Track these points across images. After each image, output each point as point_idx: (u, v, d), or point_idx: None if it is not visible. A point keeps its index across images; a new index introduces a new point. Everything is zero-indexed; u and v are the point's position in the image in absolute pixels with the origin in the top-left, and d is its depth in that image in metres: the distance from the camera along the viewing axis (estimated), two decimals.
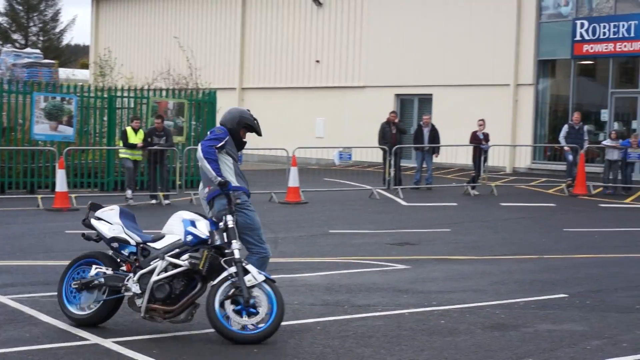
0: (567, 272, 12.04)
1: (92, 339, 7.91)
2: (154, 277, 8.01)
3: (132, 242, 8.32)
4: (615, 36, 28.32)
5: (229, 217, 8.16)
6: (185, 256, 8.02)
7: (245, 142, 9.03)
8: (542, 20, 30.26)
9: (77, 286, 8.31)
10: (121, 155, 21.56)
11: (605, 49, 28.65)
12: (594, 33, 28.81)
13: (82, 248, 13.45)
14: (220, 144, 8.54)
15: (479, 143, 24.59)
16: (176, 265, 8.04)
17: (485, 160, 25.11)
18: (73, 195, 20.02)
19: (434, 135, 25.14)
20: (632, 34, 27.88)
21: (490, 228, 17.19)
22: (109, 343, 7.75)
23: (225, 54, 40.21)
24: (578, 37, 29.15)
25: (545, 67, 30.69)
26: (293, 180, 21.22)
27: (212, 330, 7.87)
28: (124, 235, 8.34)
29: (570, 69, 29.92)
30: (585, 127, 25.87)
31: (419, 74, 32.86)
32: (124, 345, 7.69)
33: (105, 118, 24.56)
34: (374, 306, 9.48)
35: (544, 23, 30.25)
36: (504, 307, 9.49)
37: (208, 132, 8.87)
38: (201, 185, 8.87)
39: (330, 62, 36.22)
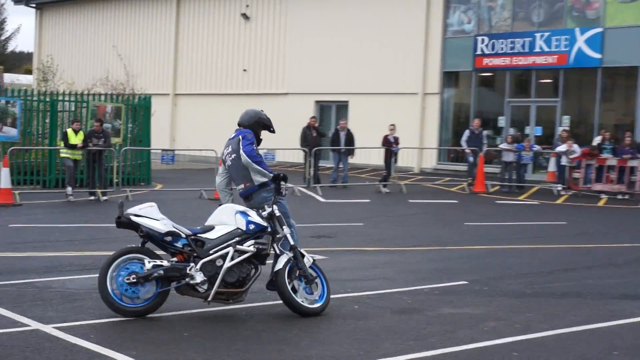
0: (466, 261, 12.24)
1: (33, 324, 7.79)
2: (227, 264, 8.20)
3: (183, 235, 8.35)
4: (512, 51, 28.78)
5: (275, 207, 8.72)
6: (249, 242, 8.32)
7: (261, 140, 9.60)
8: (448, 35, 30.58)
9: (134, 280, 8.04)
10: (62, 155, 21.28)
11: (503, 62, 29.09)
12: (493, 48, 29.25)
13: (24, 240, 13.34)
14: (256, 145, 9.16)
15: (390, 146, 24.79)
16: (242, 252, 8.31)
17: (396, 161, 25.32)
18: (16, 192, 19.63)
19: (350, 139, 25.30)
20: (527, 50, 28.37)
21: (399, 222, 17.34)
22: (49, 328, 7.64)
23: (160, 62, 39.82)
24: (479, 52, 29.57)
25: (450, 78, 31.04)
26: None
27: (152, 314, 7.92)
28: (175, 229, 8.34)
29: (472, 80, 30.33)
30: (484, 132, 26.20)
31: (336, 82, 32.97)
32: (64, 330, 7.58)
33: (48, 120, 24.19)
34: None
35: (448, 38, 30.58)
36: (410, 294, 9.61)
37: (240, 137, 9.20)
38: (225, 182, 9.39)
39: (256, 70, 36.16)
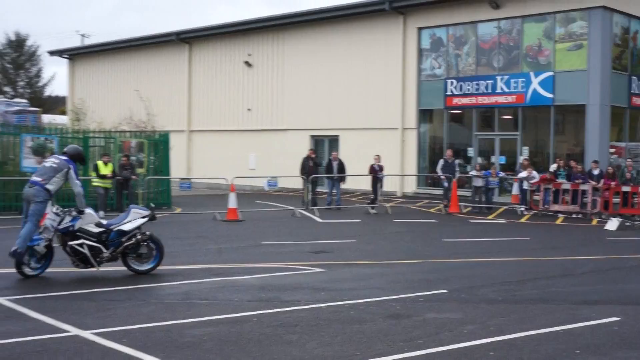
0: (446, 272, 12.17)
1: (73, 331, 7.70)
2: None
3: None
4: (477, 92, 28.89)
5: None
6: None
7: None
8: (422, 79, 30.71)
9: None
10: (94, 184, 21.27)
11: (470, 101, 29.18)
12: (460, 89, 29.36)
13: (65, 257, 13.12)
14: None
15: (376, 173, 24.84)
16: None
17: (381, 186, 25.38)
18: None
19: (341, 167, 25.34)
20: (489, 90, 28.48)
21: (386, 239, 17.29)
22: (87, 334, 7.56)
23: (176, 103, 39.90)
24: (449, 92, 29.67)
25: (425, 115, 31.09)
26: (232, 202, 21.12)
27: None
28: None
29: (444, 117, 30.38)
30: (456, 161, 26.31)
31: (328, 119, 33.08)
32: (100, 335, 7.50)
33: None
34: (298, 301, 9.45)
35: (423, 81, 30.69)
36: (398, 301, 9.54)
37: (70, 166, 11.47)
38: None
39: (259, 110, 36.22)
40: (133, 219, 11.55)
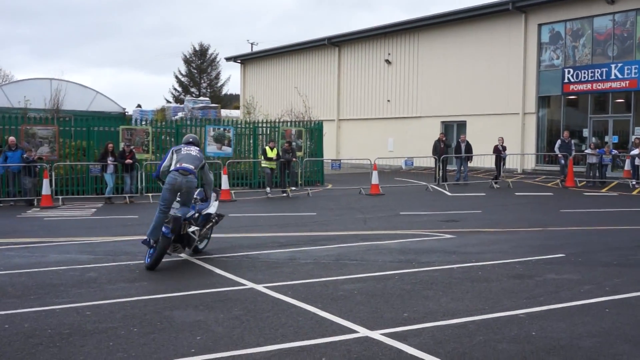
0: (563, 239, 11.67)
1: (249, 284, 8.01)
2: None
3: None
4: (592, 79, 27.35)
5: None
6: None
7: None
8: (541, 69, 29.41)
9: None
10: (262, 165, 21.86)
11: (585, 88, 27.68)
12: (577, 77, 27.88)
13: (239, 225, 13.66)
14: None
15: (499, 152, 24.10)
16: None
17: (504, 164, 24.61)
18: (232, 191, 20.36)
19: (468, 148, 24.74)
20: (604, 77, 26.89)
21: (509, 210, 16.81)
22: (260, 287, 7.84)
23: (327, 97, 40.34)
24: (566, 80, 28.25)
25: (544, 101, 29.78)
26: (375, 179, 21.18)
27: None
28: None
29: (561, 102, 29.00)
30: (573, 141, 25.10)
31: (457, 107, 32.40)
32: (270, 289, 7.75)
33: (251, 141, 24.93)
34: (433, 262, 9.37)
35: (542, 71, 29.39)
36: (521, 263, 9.26)
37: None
38: None
39: (396, 100, 35.98)
40: (213, 203, 10.03)
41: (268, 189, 21.08)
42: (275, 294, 7.50)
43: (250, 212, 16.52)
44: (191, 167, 9.14)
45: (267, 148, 21.50)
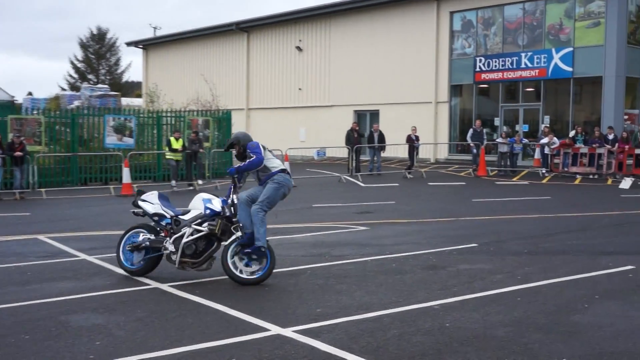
0: (475, 229, 12.07)
1: (152, 284, 7.85)
2: (184, 240, 7.95)
3: (168, 216, 8.23)
4: (503, 67, 28.37)
5: (235, 196, 8.08)
6: (206, 224, 7.99)
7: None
8: (453, 57, 30.25)
9: (130, 248, 8.22)
10: (167, 157, 21.48)
11: (496, 76, 28.67)
12: (488, 66, 28.84)
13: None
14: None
15: (412, 142, 24.66)
16: (199, 231, 7.99)
17: (417, 154, 25.22)
18: (134, 185, 19.88)
19: (381, 138, 25.15)
20: (514, 66, 27.94)
21: (422, 200, 17.21)
22: (165, 287, 7.69)
23: (236, 85, 40.01)
24: (477, 69, 29.17)
25: (456, 90, 30.65)
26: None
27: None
28: (161, 211, 8.27)
29: (473, 91, 29.92)
30: (484, 130, 25.99)
31: (369, 95, 32.85)
32: (176, 287, 7.63)
33: (155, 131, 24.43)
34: (346, 256, 9.47)
35: (454, 59, 30.23)
36: (435, 254, 9.50)
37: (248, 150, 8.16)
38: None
39: (308, 89, 36.12)
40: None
41: (173, 182, 20.73)
42: (182, 293, 7.38)
43: None
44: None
45: (172, 139, 21.13)
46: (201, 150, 21.84)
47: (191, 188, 20.58)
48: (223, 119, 25.95)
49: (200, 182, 21.34)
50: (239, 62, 39.87)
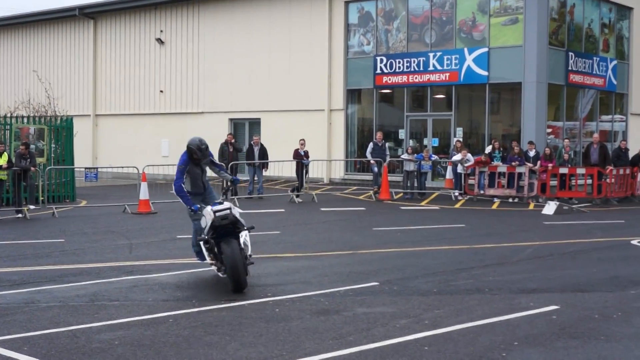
0: (377, 264, 12.27)
1: None
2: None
3: None
4: (408, 70, 29.21)
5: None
6: None
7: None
8: (349, 56, 30.89)
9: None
10: None
11: (401, 80, 29.48)
12: (391, 67, 29.63)
13: None
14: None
15: (301, 159, 24.90)
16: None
17: (307, 172, 25.45)
18: None
19: (263, 153, 25.29)
20: (422, 68, 28.83)
21: (313, 229, 17.36)
22: None
23: (80, 85, 39.14)
24: (379, 71, 29.92)
25: (353, 95, 31.28)
26: (144, 193, 20.87)
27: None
28: None
29: (373, 97, 30.62)
30: (387, 144, 26.57)
31: (248, 101, 32.98)
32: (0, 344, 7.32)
33: None
34: (218, 300, 9.41)
35: (350, 59, 30.88)
36: (327, 296, 9.60)
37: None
38: None
39: (172, 92, 35.82)
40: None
41: None
42: (6, 351, 7.11)
43: None
44: None
45: None
46: (33, 168, 21.12)
47: (20, 216, 19.83)
48: (63, 128, 25.23)
49: (31, 207, 20.64)
50: (84, 57, 39.02)
